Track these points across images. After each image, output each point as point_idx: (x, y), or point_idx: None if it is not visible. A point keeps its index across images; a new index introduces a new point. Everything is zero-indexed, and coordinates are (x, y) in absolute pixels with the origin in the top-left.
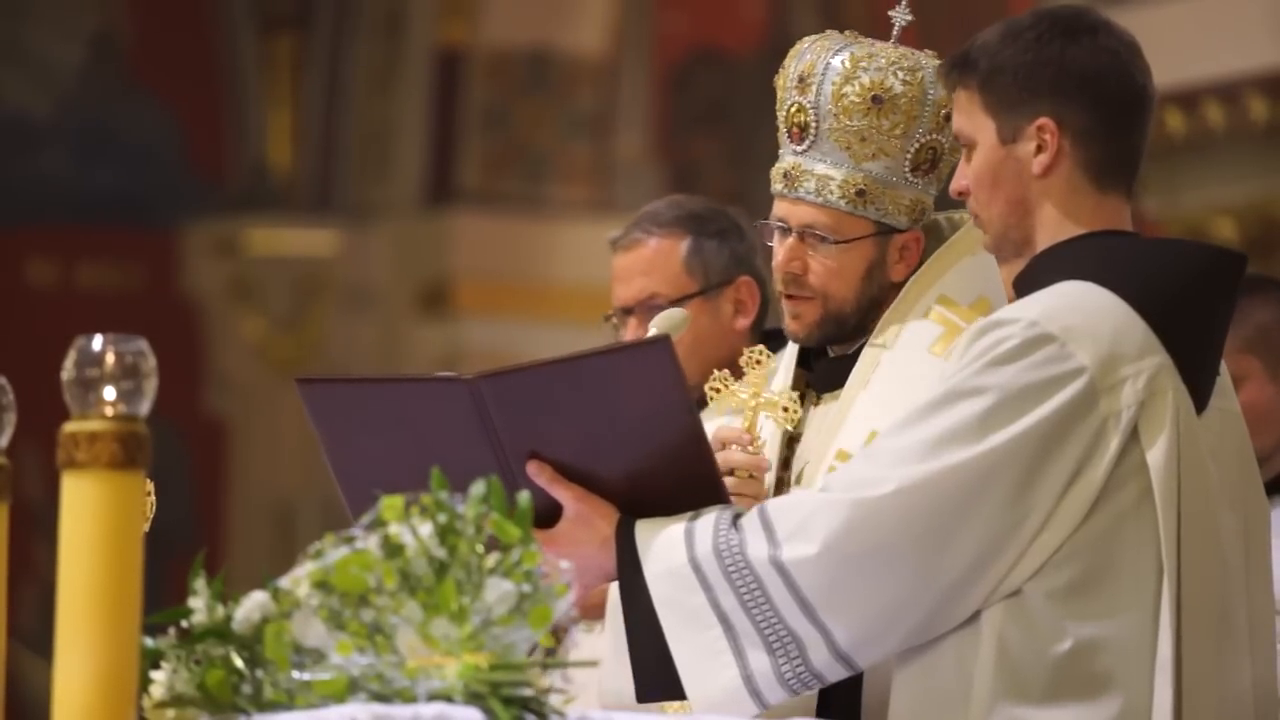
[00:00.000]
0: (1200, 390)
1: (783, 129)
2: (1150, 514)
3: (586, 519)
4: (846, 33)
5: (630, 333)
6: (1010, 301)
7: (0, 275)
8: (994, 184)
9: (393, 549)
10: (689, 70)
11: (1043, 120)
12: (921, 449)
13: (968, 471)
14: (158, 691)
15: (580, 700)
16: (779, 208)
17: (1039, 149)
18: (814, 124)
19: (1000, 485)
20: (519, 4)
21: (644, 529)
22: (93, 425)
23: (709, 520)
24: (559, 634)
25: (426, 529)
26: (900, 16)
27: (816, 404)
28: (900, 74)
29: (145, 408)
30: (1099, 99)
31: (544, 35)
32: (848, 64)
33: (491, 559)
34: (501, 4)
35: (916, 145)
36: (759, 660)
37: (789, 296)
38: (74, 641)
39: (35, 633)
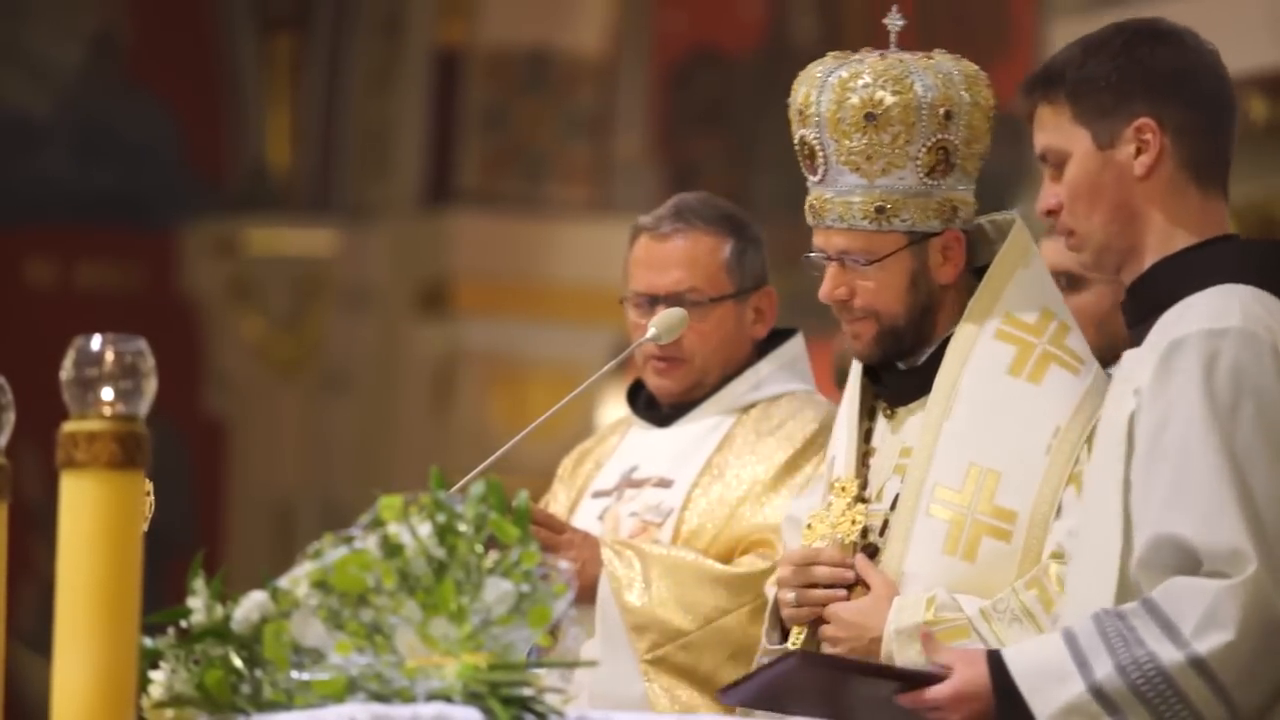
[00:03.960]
0: None
1: (800, 163)
2: None
3: (967, 664)
4: (834, 55)
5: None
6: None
7: (0, 275)
8: (1093, 193)
9: (392, 549)
10: (688, 70)
11: (1142, 120)
12: (1235, 496)
13: None
14: (157, 691)
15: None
16: (816, 238)
17: (1139, 150)
18: (821, 154)
19: None
20: (518, 4)
21: (1016, 660)
22: (92, 425)
23: (1093, 636)
24: (556, 633)
25: (425, 529)
26: (894, 22)
27: (891, 417)
28: (888, 85)
29: (144, 407)
30: (1195, 96)
31: (543, 35)
32: (837, 89)
33: (490, 559)
34: (500, 4)
35: (924, 149)
36: None
37: (845, 320)
38: (73, 641)
39: (35, 632)
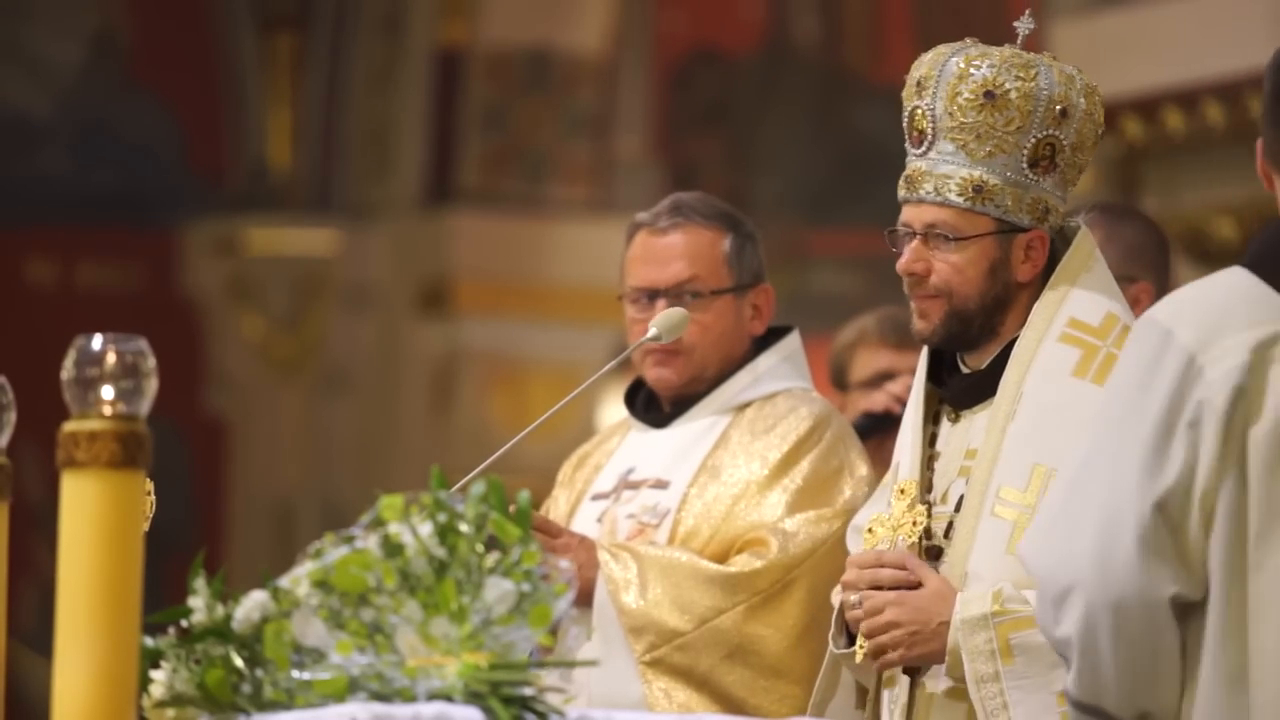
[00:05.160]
0: None
1: (906, 136)
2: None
3: None
4: (966, 40)
5: (655, 315)
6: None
7: (0, 275)
8: None
9: (392, 548)
10: (688, 70)
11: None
12: (1061, 504)
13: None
14: (158, 691)
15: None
16: (904, 214)
17: None
18: (931, 126)
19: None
20: (519, 4)
21: None
22: (92, 425)
23: None
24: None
25: (426, 528)
26: (1024, 25)
27: (955, 420)
28: (1013, 70)
29: (145, 407)
30: (1272, 91)
31: (543, 35)
32: (962, 64)
33: (491, 558)
34: (501, 4)
35: (1033, 141)
36: None
37: (915, 296)
38: (74, 641)
39: (35, 632)
